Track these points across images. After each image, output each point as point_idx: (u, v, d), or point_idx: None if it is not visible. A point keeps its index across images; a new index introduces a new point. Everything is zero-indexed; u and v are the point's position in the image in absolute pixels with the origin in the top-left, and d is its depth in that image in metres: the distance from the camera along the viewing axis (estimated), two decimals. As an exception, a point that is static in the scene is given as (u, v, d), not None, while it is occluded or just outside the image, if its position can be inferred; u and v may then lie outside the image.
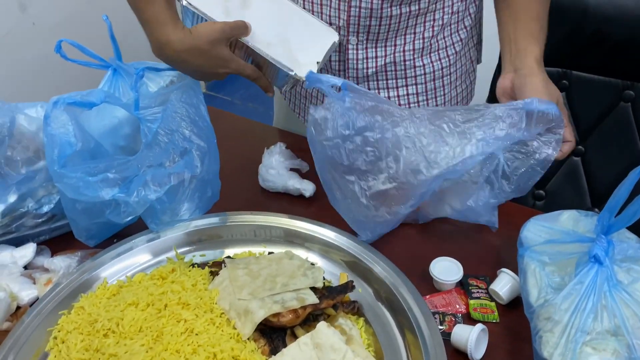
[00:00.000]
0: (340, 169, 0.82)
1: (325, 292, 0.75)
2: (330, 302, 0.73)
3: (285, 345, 0.69)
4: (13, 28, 2.05)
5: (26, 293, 0.79)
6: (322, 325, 0.68)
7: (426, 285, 0.84)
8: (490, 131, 0.80)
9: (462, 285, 0.83)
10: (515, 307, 0.80)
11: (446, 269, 0.83)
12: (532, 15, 0.91)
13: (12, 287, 0.79)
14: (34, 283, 0.81)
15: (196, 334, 0.67)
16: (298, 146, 1.11)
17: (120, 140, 0.96)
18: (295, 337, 0.70)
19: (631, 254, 0.68)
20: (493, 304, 0.80)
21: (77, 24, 2.14)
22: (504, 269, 0.81)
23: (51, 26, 2.13)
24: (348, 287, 0.77)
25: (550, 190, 1.16)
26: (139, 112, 0.85)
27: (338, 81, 0.79)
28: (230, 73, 0.87)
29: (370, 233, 0.87)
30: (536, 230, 0.79)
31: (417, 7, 0.94)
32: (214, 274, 0.81)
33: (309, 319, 0.72)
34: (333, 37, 0.89)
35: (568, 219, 0.79)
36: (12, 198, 0.84)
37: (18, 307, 0.80)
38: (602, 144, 1.09)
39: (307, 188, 1.00)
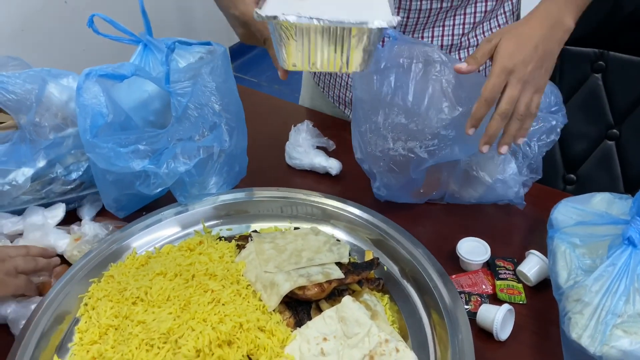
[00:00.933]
0: (369, 103, 0.83)
1: (350, 267, 0.75)
2: (356, 278, 0.73)
3: (310, 318, 0.70)
4: (45, 5, 2.08)
5: (62, 242, 0.82)
6: (347, 299, 0.68)
7: (452, 265, 0.83)
8: None
9: (489, 266, 0.82)
10: (543, 290, 0.79)
11: (473, 249, 0.82)
12: None
13: (48, 239, 0.81)
14: (69, 233, 0.84)
15: (223, 304, 0.68)
16: (325, 125, 1.10)
17: (150, 115, 0.97)
18: (320, 310, 0.70)
19: (667, 237, 0.66)
20: (520, 285, 0.79)
21: (107, 2, 2.16)
22: (532, 251, 0.80)
23: (82, 4, 2.16)
24: (373, 263, 0.77)
25: (582, 175, 1.14)
26: (169, 85, 0.86)
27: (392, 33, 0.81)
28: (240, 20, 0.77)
29: (385, 190, 0.89)
30: (567, 212, 0.78)
31: (448, 4, 0.92)
32: (240, 247, 0.81)
33: (334, 293, 0.72)
34: None
35: (601, 202, 0.77)
36: (41, 163, 0.86)
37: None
38: (638, 127, 1.06)
39: (333, 166, 1.00)
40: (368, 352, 0.64)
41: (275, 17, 0.64)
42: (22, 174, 0.85)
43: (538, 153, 0.89)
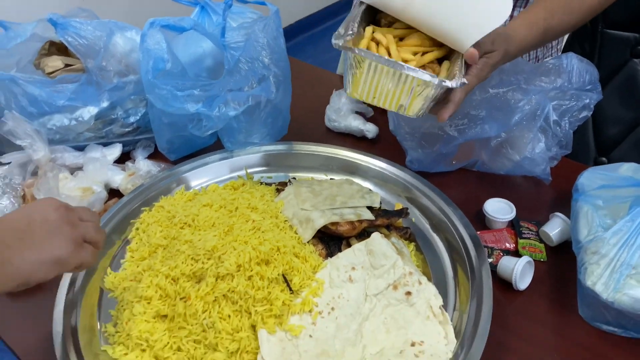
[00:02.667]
0: None
1: (380, 212, 0.80)
2: (385, 221, 0.79)
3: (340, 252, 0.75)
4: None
5: (118, 177, 0.90)
6: (376, 234, 0.73)
7: (478, 223, 0.87)
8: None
9: (513, 226, 0.86)
10: (564, 251, 0.82)
11: (499, 209, 0.86)
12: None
13: (104, 173, 0.89)
14: (124, 170, 0.92)
15: (262, 232, 0.74)
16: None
17: (203, 71, 1.04)
18: (350, 246, 0.75)
19: (687, 199, 0.70)
20: (542, 245, 0.83)
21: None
22: (557, 213, 0.83)
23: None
24: (402, 212, 0.82)
25: (614, 159, 1.15)
26: (224, 39, 0.93)
27: None
28: None
29: (417, 163, 0.95)
30: (593, 177, 0.81)
31: None
32: (279, 190, 0.87)
33: (364, 234, 0.78)
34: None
35: (627, 169, 0.80)
36: (104, 104, 0.94)
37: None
38: (673, 114, 1.07)
39: (370, 129, 1.05)
40: (392, 282, 0.69)
41: (351, 49, 0.70)
42: (88, 112, 0.94)
43: (569, 129, 0.92)
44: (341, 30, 0.73)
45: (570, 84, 0.88)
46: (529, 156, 0.88)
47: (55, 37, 1.03)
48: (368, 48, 0.74)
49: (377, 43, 0.76)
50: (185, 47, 1.01)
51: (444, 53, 0.77)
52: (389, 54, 0.74)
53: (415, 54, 0.76)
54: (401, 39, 0.78)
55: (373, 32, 0.76)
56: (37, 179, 0.87)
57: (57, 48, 1.04)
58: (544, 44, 0.90)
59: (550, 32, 0.84)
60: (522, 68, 0.90)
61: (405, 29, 0.78)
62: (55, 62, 0.99)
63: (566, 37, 1.15)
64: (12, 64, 0.98)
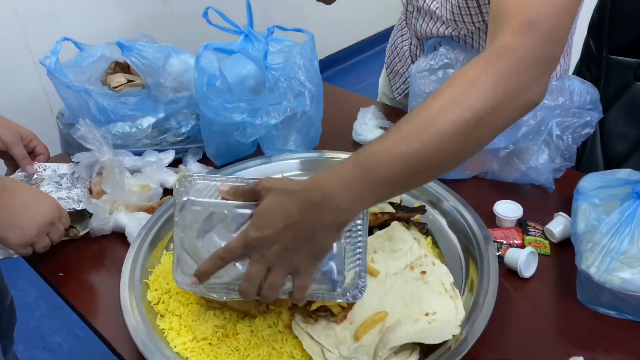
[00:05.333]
0: (422, 96, 1.01)
1: (401, 207, 0.91)
2: (404, 215, 0.89)
3: (365, 240, 0.86)
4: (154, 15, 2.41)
5: (171, 178, 1.03)
6: (395, 223, 0.84)
7: (489, 223, 0.97)
8: None
9: (521, 225, 0.96)
10: (567, 247, 0.91)
11: (508, 209, 0.96)
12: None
13: (160, 174, 1.03)
14: (176, 172, 1.05)
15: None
16: (388, 113, 1.28)
17: (246, 90, 1.18)
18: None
19: (672, 195, 0.79)
20: (547, 242, 0.92)
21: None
22: (560, 212, 0.93)
23: (185, 14, 2.49)
24: (420, 209, 0.93)
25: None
26: (267, 61, 1.07)
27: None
28: None
29: None
30: (592, 180, 0.91)
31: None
32: (311, 190, 0.99)
33: (385, 225, 0.88)
34: None
35: (622, 173, 0.90)
36: (160, 115, 1.09)
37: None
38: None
39: (394, 142, 1.17)
40: (409, 263, 0.79)
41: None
42: (147, 121, 1.08)
43: (572, 144, 1.02)
44: None
45: (572, 103, 0.99)
46: (534, 166, 0.99)
47: (120, 58, 1.20)
48: None
49: None
50: (231, 69, 1.16)
51: None
52: None
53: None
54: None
55: None
56: (104, 176, 1.01)
57: (121, 67, 1.20)
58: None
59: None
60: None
61: None
62: (119, 78, 1.15)
63: (574, 62, 1.26)
64: (85, 79, 1.14)
